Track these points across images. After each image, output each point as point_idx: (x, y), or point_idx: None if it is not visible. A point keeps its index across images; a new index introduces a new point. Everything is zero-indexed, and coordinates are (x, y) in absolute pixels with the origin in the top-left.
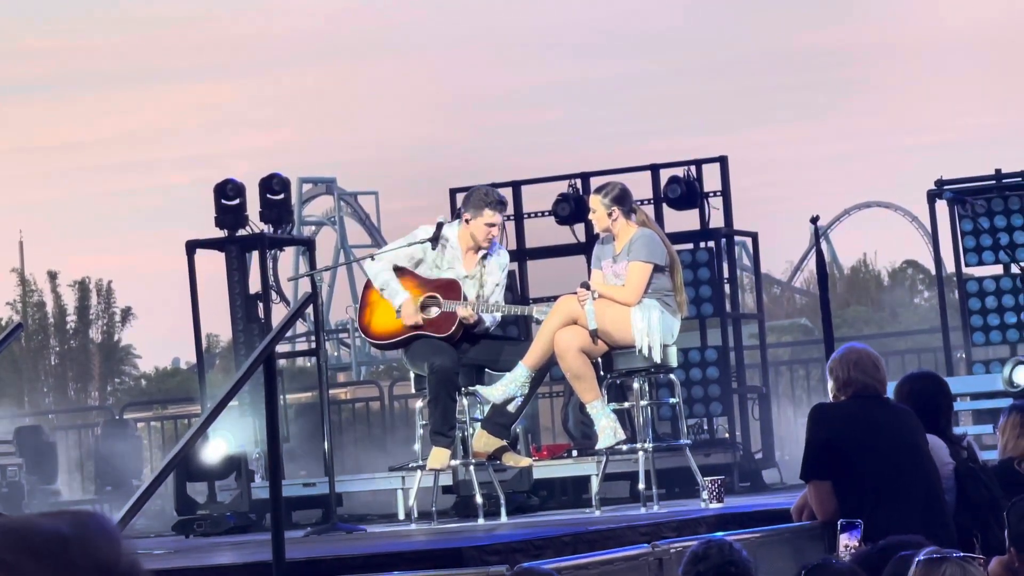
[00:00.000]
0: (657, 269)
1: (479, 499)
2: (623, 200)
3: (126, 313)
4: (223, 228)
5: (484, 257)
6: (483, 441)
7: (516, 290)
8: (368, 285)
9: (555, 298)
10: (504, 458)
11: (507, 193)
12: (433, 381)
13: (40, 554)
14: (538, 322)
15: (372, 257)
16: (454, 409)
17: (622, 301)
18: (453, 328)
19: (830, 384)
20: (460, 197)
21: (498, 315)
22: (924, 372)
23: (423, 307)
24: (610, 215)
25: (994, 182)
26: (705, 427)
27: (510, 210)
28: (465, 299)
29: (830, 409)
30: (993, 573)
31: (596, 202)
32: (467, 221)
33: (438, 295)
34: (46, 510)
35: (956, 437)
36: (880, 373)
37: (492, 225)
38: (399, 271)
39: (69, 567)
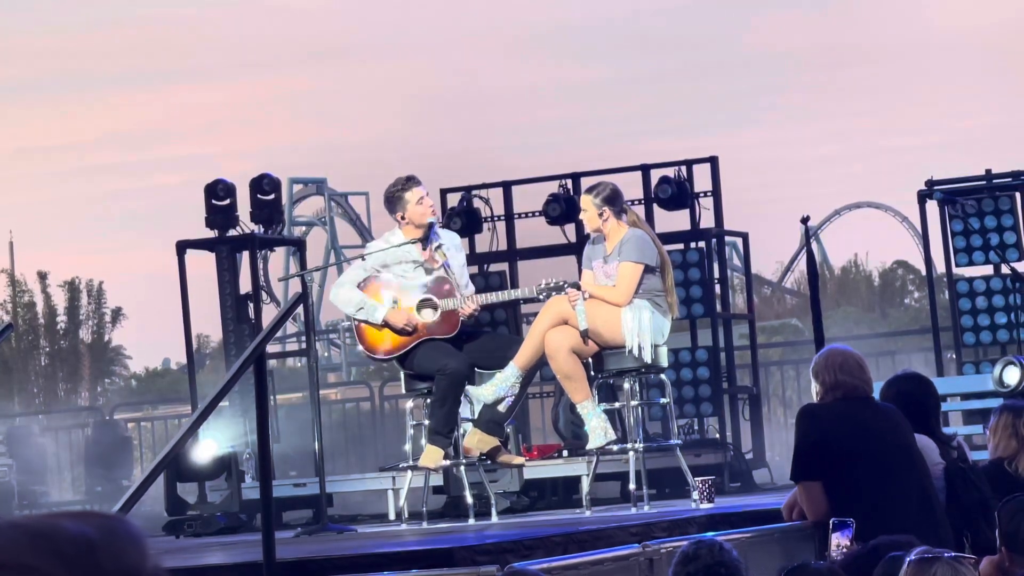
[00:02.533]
0: (648, 270)
1: (469, 499)
2: (614, 200)
3: (116, 313)
4: (213, 228)
5: (438, 247)
6: (476, 439)
7: (507, 289)
8: None
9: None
10: (497, 458)
11: (498, 193)
12: (445, 383)
13: (67, 559)
14: (536, 299)
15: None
16: (458, 412)
17: (612, 301)
18: (458, 327)
19: (815, 387)
20: (450, 198)
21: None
22: (910, 373)
23: (418, 310)
24: (601, 215)
25: (984, 182)
26: (695, 427)
27: (500, 210)
28: (459, 292)
29: (818, 410)
30: (984, 573)
31: (587, 202)
32: (403, 218)
33: (432, 296)
34: (62, 511)
35: (946, 437)
36: (865, 374)
37: (422, 200)
38: (382, 280)
39: (95, 573)
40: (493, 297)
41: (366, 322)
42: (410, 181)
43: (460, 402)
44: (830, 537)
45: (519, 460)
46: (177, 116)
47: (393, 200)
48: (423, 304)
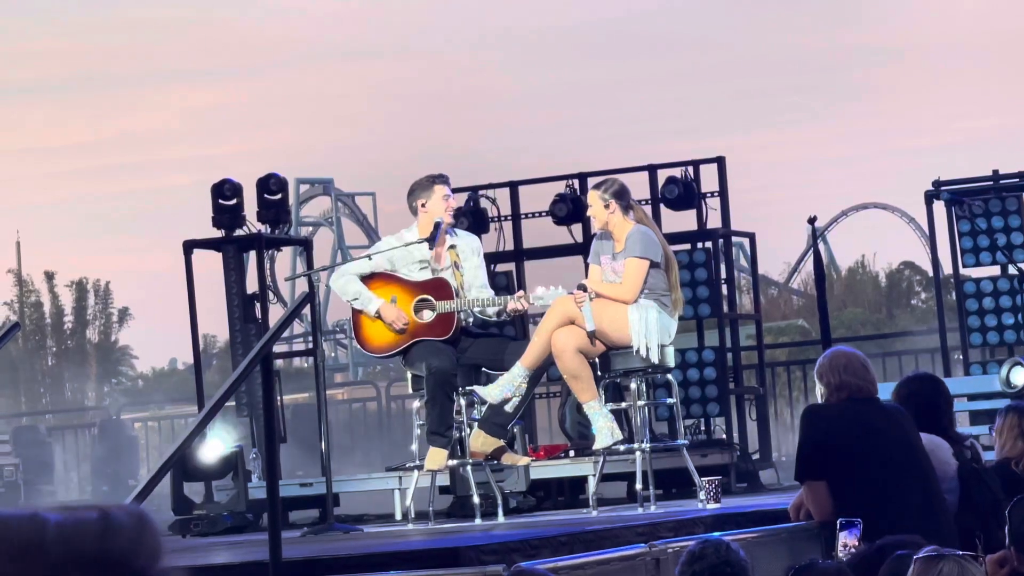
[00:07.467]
0: (653, 266)
1: (476, 499)
2: (621, 195)
3: (123, 313)
4: (220, 228)
5: (452, 247)
6: (480, 441)
7: (513, 291)
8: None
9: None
10: (502, 458)
11: (504, 193)
12: (431, 382)
13: (11, 550)
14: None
15: (341, 265)
16: (451, 410)
17: (620, 298)
18: (452, 330)
19: (820, 389)
20: (457, 198)
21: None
22: (921, 374)
23: (416, 311)
24: (607, 207)
25: (991, 183)
26: (702, 427)
27: (507, 209)
28: (457, 295)
29: (822, 410)
30: (988, 571)
31: (594, 197)
32: (423, 205)
33: (430, 297)
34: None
35: (960, 437)
36: (870, 374)
37: (448, 197)
38: (384, 276)
39: (41, 566)
40: (486, 304)
41: (361, 312)
42: (440, 178)
43: (453, 400)
44: (837, 537)
45: (524, 460)
46: (184, 117)
47: (420, 189)
48: (421, 305)
